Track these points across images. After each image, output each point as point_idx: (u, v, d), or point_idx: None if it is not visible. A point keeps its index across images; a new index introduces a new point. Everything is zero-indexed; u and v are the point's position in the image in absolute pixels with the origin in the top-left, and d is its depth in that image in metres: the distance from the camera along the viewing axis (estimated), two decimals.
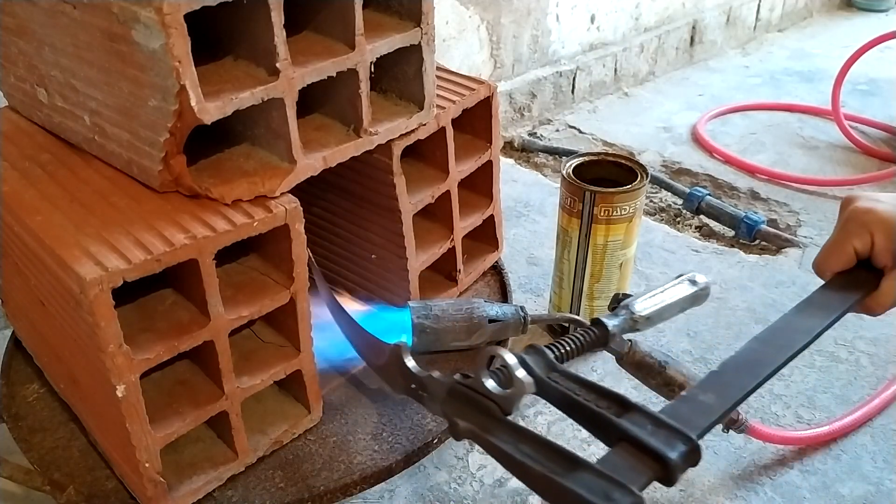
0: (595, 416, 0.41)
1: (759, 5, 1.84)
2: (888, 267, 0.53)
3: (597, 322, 0.53)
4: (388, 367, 0.52)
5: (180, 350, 0.49)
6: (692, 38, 1.71)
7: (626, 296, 0.57)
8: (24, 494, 0.68)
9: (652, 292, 0.56)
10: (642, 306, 0.55)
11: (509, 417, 0.43)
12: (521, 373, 0.42)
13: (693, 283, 0.58)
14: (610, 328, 0.53)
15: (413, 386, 0.49)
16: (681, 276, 0.59)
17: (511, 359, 0.42)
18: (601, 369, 0.84)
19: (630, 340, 0.65)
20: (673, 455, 0.37)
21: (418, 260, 0.68)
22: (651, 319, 0.55)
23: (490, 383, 0.43)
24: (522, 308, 0.68)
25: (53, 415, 0.62)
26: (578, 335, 0.51)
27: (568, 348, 0.50)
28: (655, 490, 0.71)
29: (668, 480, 0.37)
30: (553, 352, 0.48)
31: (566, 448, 0.39)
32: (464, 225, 0.73)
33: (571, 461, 0.37)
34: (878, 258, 0.53)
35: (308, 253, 0.54)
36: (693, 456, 0.37)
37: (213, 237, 0.48)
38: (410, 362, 0.50)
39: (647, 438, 0.38)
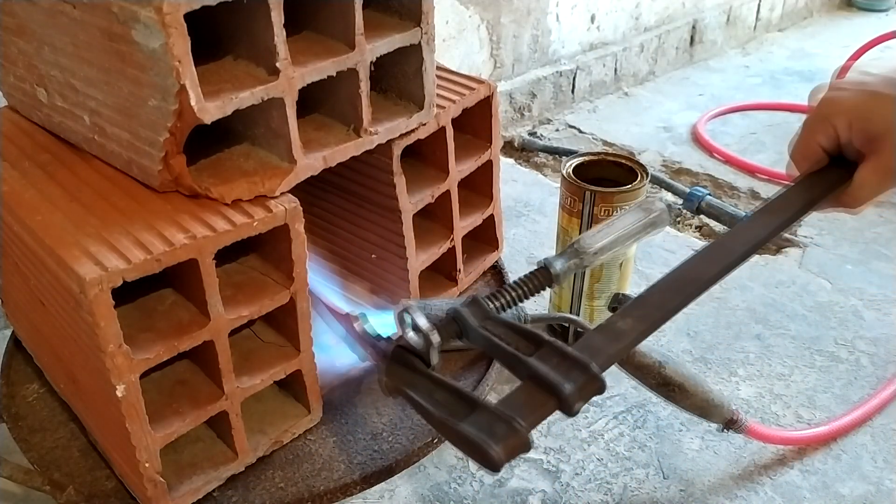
0: (510, 357, 0.41)
1: (759, 5, 1.83)
2: (861, 158, 0.48)
3: (541, 265, 0.50)
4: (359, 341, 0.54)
5: (180, 350, 0.49)
6: (692, 38, 1.71)
7: (626, 296, 0.56)
8: (24, 494, 0.68)
9: (600, 226, 0.53)
10: (590, 240, 0.51)
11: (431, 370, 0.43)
12: (423, 322, 0.43)
13: (646, 209, 0.53)
14: (556, 268, 0.50)
15: (370, 355, 0.51)
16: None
17: (417, 314, 0.44)
18: None
19: None
20: (567, 387, 0.37)
21: (418, 260, 0.68)
22: (598, 253, 0.51)
23: (411, 336, 0.44)
24: (521, 308, 0.68)
25: (53, 415, 0.62)
26: (521, 280, 0.49)
27: (507, 297, 0.48)
28: (656, 490, 0.71)
29: (568, 412, 0.37)
30: (491, 302, 0.47)
31: (472, 393, 0.39)
32: (464, 225, 0.73)
33: (472, 405, 0.38)
34: (848, 150, 0.49)
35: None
36: (590, 386, 0.37)
37: (212, 237, 0.48)
38: (368, 328, 0.52)
39: (547, 373, 0.38)
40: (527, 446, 0.36)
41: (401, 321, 0.45)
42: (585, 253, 0.50)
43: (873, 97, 0.48)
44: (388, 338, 0.57)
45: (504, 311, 0.47)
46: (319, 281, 0.63)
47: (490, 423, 0.36)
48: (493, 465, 0.35)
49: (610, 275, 0.82)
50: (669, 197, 1.22)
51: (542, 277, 0.49)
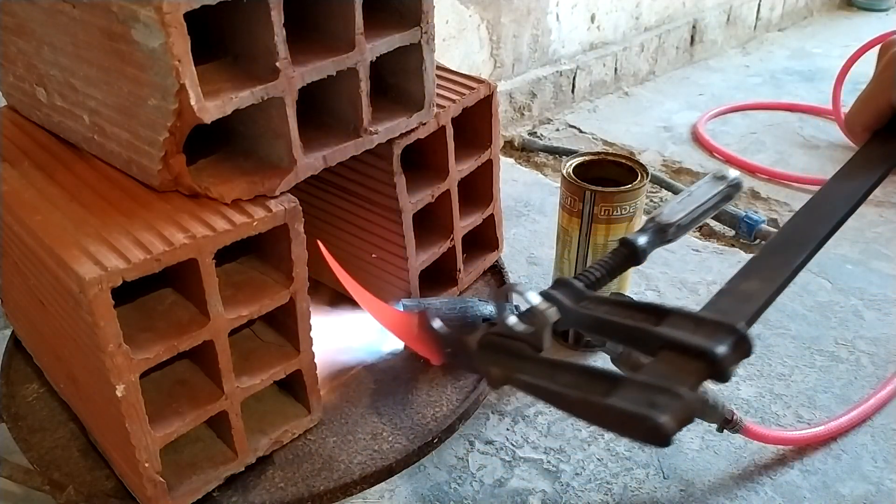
0: (632, 330, 0.38)
1: (759, 5, 1.83)
2: None
3: (624, 241, 0.48)
4: (421, 337, 0.49)
5: (180, 350, 0.49)
6: (692, 38, 1.71)
7: (624, 296, 0.55)
8: (24, 494, 0.68)
9: (677, 198, 0.51)
10: (670, 213, 0.50)
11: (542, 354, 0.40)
12: (539, 303, 0.40)
13: (720, 178, 0.52)
14: (639, 244, 0.48)
15: (448, 350, 0.47)
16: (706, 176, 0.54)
17: (529, 293, 0.41)
18: None
19: None
20: (719, 349, 0.34)
21: (418, 259, 0.68)
22: (682, 226, 0.50)
23: (514, 321, 0.41)
24: (518, 307, 0.68)
25: (53, 414, 0.62)
26: (606, 258, 0.47)
27: (597, 275, 0.46)
28: (656, 490, 0.71)
29: (721, 376, 0.34)
30: (581, 281, 0.45)
31: (605, 369, 0.36)
32: (464, 224, 0.73)
33: (612, 380, 0.35)
34: None
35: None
36: (742, 346, 0.35)
37: (212, 237, 0.48)
38: (437, 324, 0.47)
39: (688, 339, 0.35)
40: (694, 413, 0.33)
41: (503, 305, 0.42)
42: (668, 225, 0.49)
43: None
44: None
45: (594, 290, 0.44)
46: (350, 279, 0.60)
47: (646, 395, 0.33)
48: (662, 437, 0.31)
49: None
50: (669, 196, 1.22)
51: (626, 254, 0.48)
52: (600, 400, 0.34)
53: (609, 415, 0.34)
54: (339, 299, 0.74)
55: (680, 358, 0.35)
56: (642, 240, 0.48)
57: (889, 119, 0.47)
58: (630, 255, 0.48)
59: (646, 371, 0.35)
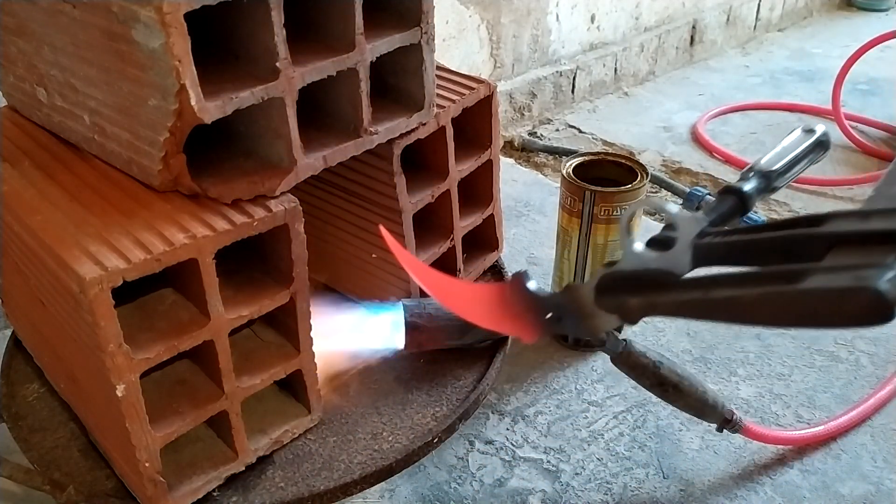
0: (789, 240, 0.34)
1: (759, 5, 1.83)
2: None
3: (728, 190, 0.46)
4: (513, 310, 0.45)
5: (180, 350, 0.49)
6: (692, 38, 1.71)
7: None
8: (24, 494, 0.68)
9: (772, 150, 0.50)
10: (770, 161, 0.48)
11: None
12: (681, 211, 0.36)
13: (809, 131, 0.52)
14: (745, 191, 0.45)
15: (549, 316, 0.43)
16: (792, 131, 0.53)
17: (668, 204, 0.37)
18: (601, 369, 0.84)
19: (625, 340, 0.65)
20: None
21: (418, 259, 0.68)
22: (784, 174, 0.48)
23: (641, 248, 0.37)
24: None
25: (53, 414, 0.62)
26: (713, 207, 0.45)
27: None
28: (656, 490, 0.71)
29: None
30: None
31: (775, 267, 0.32)
32: (464, 225, 0.73)
33: (792, 274, 0.31)
34: None
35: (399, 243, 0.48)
36: None
37: (212, 237, 0.48)
38: (534, 285, 0.44)
39: (866, 227, 0.31)
40: None
41: (627, 229, 0.38)
42: (771, 171, 0.47)
43: None
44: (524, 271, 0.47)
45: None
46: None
47: (848, 273, 0.29)
48: (886, 307, 0.28)
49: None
50: (669, 197, 1.22)
51: (734, 202, 0.46)
52: (792, 288, 0.30)
53: (808, 301, 0.30)
54: (339, 299, 0.74)
55: (860, 248, 0.31)
56: (748, 186, 0.46)
57: None
58: (738, 203, 0.46)
59: (828, 261, 0.31)
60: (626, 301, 0.38)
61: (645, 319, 0.94)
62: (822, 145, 0.51)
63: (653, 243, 0.38)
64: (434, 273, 0.54)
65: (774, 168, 0.48)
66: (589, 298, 0.41)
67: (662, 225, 0.40)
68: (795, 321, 0.32)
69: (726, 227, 0.39)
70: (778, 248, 0.35)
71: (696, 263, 0.38)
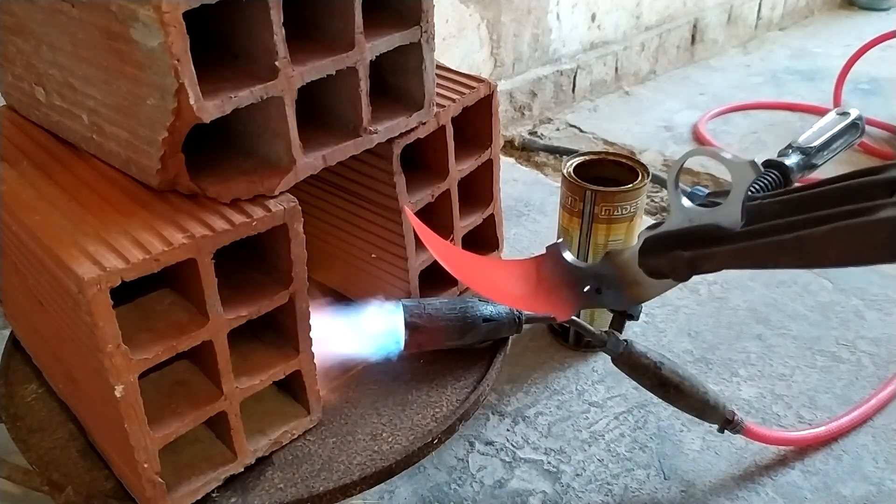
0: (847, 191, 0.33)
1: (760, 4, 1.83)
2: None
3: (771, 164, 0.46)
4: (547, 285, 0.44)
5: (179, 350, 0.49)
6: (693, 37, 1.71)
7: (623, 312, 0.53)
8: (23, 495, 0.68)
9: (809, 130, 0.50)
10: (808, 138, 0.49)
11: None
12: (731, 156, 0.35)
13: (843, 114, 0.52)
14: (788, 164, 0.46)
15: (587, 288, 0.42)
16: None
17: (722, 152, 0.36)
18: (602, 370, 0.84)
19: (625, 341, 0.65)
20: None
21: (418, 259, 0.68)
22: (822, 150, 0.49)
23: (688, 204, 0.37)
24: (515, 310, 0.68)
25: (52, 415, 0.62)
26: (756, 182, 0.44)
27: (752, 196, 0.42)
28: (656, 491, 0.70)
29: None
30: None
31: (843, 207, 0.31)
32: (464, 224, 0.72)
33: (860, 210, 0.30)
34: None
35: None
36: None
37: (211, 237, 0.47)
38: (570, 256, 0.43)
39: None
40: None
41: (676, 184, 0.37)
42: (810, 147, 0.48)
43: None
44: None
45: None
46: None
47: None
48: None
49: None
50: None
51: (776, 176, 0.45)
52: (866, 220, 0.29)
53: (885, 230, 0.29)
54: (339, 299, 0.74)
55: None
56: (790, 161, 0.46)
57: None
58: (780, 177, 0.46)
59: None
60: (678, 255, 0.37)
61: (645, 319, 0.94)
62: (856, 126, 0.52)
63: (699, 201, 0.38)
64: (461, 253, 0.52)
65: (813, 144, 0.48)
66: (632, 263, 0.40)
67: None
68: (868, 254, 0.31)
69: (771, 194, 0.39)
70: (837, 198, 0.34)
71: (748, 222, 0.37)
